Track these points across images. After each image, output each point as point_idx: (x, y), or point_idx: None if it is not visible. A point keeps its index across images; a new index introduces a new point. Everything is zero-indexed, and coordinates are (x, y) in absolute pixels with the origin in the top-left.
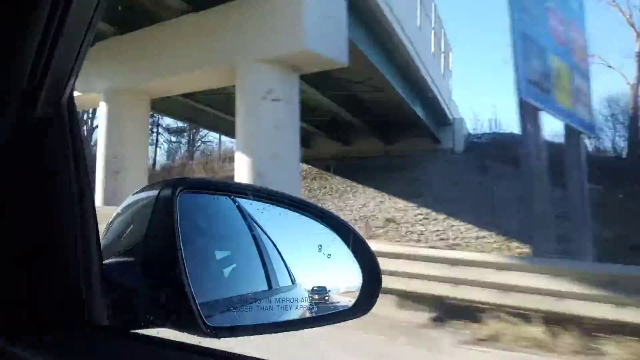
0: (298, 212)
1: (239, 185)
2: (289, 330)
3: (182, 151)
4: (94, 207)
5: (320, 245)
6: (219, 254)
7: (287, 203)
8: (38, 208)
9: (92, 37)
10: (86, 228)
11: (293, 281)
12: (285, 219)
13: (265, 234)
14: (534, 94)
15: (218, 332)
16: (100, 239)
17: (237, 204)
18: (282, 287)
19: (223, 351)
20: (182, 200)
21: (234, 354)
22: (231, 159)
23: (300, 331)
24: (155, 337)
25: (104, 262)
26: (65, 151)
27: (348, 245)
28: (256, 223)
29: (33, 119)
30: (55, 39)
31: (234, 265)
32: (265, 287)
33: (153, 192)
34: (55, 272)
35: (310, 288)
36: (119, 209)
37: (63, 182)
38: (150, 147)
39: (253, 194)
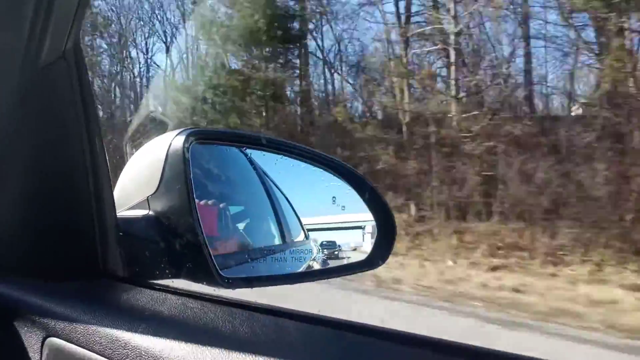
0: (311, 164)
1: (251, 135)
2: (304, 282)
3: None
4: (105, 156)
5: (334, 197)
6: (233, 209)
7: (299, 154)
8: (48, 157)
9: None
10: (98, 178)
11: (307, 236)
12: (298, 170)
13: (278, 187)
14: None
15: (233, 283)
16: (114, 190)
17: (249, 155)
18: (296, 242)
19: (237, 299)
20: (194, 150)
21: (247, 302)
22: None
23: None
24: (169, 286)
25: (118, 214)
26: (72, 97)
27: (362, 197)
28: (268, 176)
29: (37, 68)
30: None
31: (248, 219)
32: (279, 241)
33: (165, 143)
34: (70, 223)
35: (320, 242)
36: (131, 160)
37: (72, 130)
38: None
39: (265, 144)
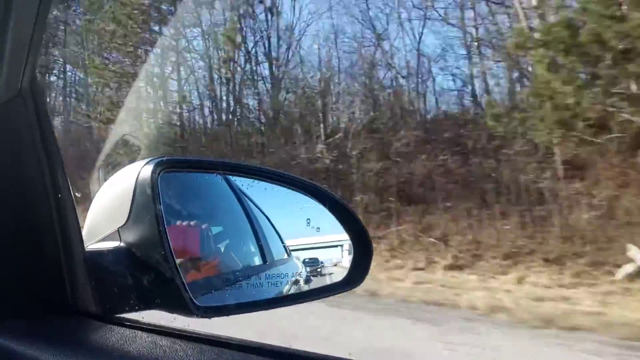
0: (283, 186)
1: (217, 161)
2: (280, 307)
3: None
4: (69, 191)
5: (309, 219)
6: (213, 229)
7: (269, 177)
8: (8, 196)
9: (44, 21)
10: (63, 212)
11: (288, 254)
12: (272, 193)
13: (257, 207)
14: None
15: (206, 313)
16: (84, 223)
17: (224, 178)
18: (277, 260)
19: (208, 334)
20: (165, 179)
21: (218, 337)
22: None
23: None
24: (140, 321)
25: (88, 247)
26: (31, 135)
27: (337, 218)
28: (246, 196)
29: None
30: (4, 24)
31: (227, 240)
32: (259, 260)
33: (133, 173)
34: (35, 259)
35: (302, 260)
36: (100, 191)
37: (32, 167)
38: None
39: (231, 169)
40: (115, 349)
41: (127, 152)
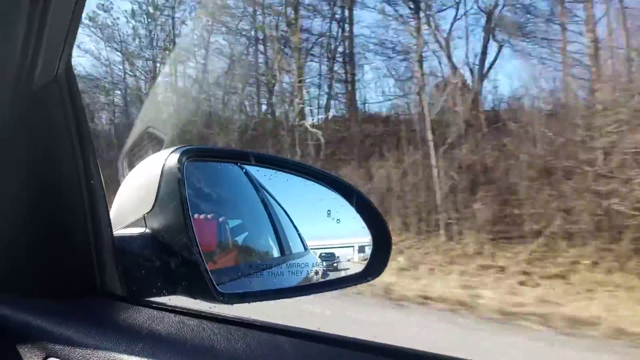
0: (305, 178)
1: (243, 152)
2: (300, 296)
3: None
4: (100, 177)
5: (329, 210)
6: (231, 222)
7: (292, 169)
8: (43, 179)
9: (81, 9)
10: (94, 198)
11: (305, 247)
12: (293, 184)
13: (275, 200)
14: None
15: (229, 299)
16: (111, 209)
17: (244, 170)
18: (295, 254)
19: (234, 316)
20: (189, 167)
21: (244, 319)
22: None
23: None
24: (166, 304)
25: (115, 233)
26: (65, 119)
27: (357, 210)
28: (265, 190)
29: (29, 91)
30: (44, 13)
31: (246, 233)
32: (277, 253)
33: (159, 161)
34: (66, 242)
35: (319, 254)
36: (127, 179)
37: (66, 152)
38: None
39: (256, 159)
40: (143, 328)
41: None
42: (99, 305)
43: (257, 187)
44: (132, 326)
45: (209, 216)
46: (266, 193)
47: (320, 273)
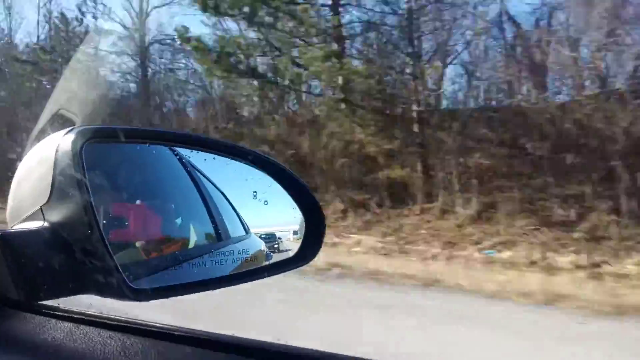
0: (226, 156)
1: (152, 131)
2: (221, 287)
3: None
4: None
5: (255, 191)
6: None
7: (211, 147)
8: None
9: None
10: None
11: (247, 230)
12: (212, 164)
13: (212, 182)
14: None
15: (143, 295)
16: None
17: (175, 152)
18: (234, 238)
19: (130, 320)
20: (90, 152)
21: (143, 323)
22: None
23: None
24: (59, 308)
25: (12, 228)
26: None
27: (287, 190)
28: (198, 171)
29: None
30: None
31: (180, 218)
32: (215, 238)
33: (52, 145)
34: None
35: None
36: (20, 167)
37: None
38: None
39: (168, 139)
40: (28, 338)
41: (61, 127)
42: None
43: (189, 168)
44: (17, 336)
45: (137, 202)
46: (199, 175)
47: (254, 258)
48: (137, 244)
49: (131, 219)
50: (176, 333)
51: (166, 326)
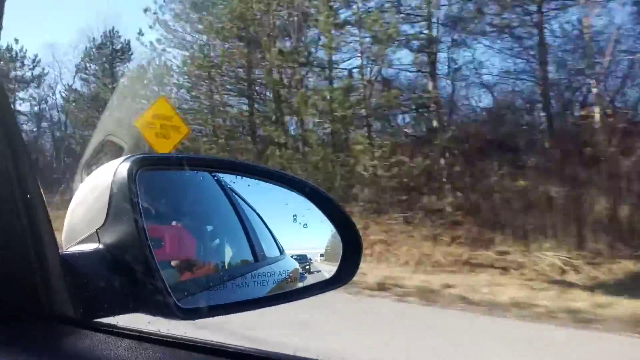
0: (268, 182)
1: (199, 158)
2: (265, 307)
3: None
4: (39, 190)
5: (295, 215)
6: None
7: (254, 173)
8: None
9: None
10: (33, 213)
11: (281, 251)
12: (257, 189)
13: (250, 207)
14: None
15: (190, 314)
16: (65, 223)
17: (216, 178)
18: (270, 259)
19: (186, 338)
20: (143, 178)
21: (196, 340)
22: None
23: None
24: (117, 326)
25: (67, 250)
26: None
27: (326, 214)
28: (238, 196)
29: None
30: None
31: (217, 240)
32: (251, 259)
33: (110, 171)
34: (5, 264)
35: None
36: (78, 192)
37: None
38: None
39: (215, 166)
40: (86, 356)
41: (110, 153)
42: (43, 330)
43: (228, 192)
44: (75, 354)
45: (179, 224)
46: (238, 198)
47: (293, 279)
48: (173, 263)
49: (166, 239)
50: (230, 350)
51: (225, 344)
